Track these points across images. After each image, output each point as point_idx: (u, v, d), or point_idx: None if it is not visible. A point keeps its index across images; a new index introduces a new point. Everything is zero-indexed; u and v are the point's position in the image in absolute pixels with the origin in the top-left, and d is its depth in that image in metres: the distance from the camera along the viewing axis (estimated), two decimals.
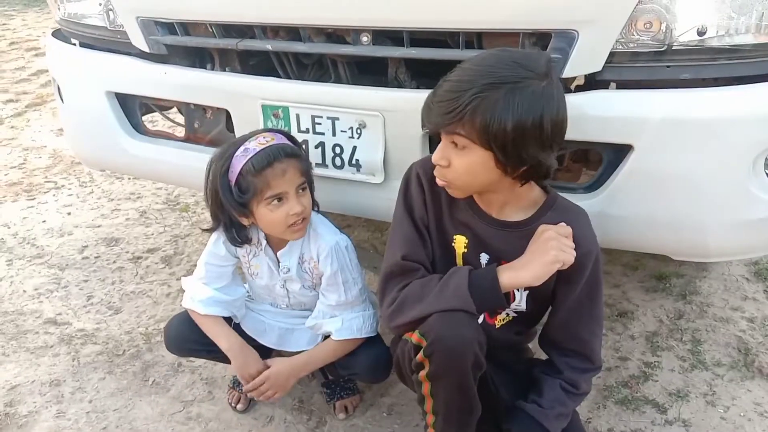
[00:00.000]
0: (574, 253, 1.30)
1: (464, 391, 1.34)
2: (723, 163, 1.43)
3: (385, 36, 1.72)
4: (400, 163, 1.70)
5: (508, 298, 1.44)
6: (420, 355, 1.31)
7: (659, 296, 2.39)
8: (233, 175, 1.55)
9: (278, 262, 1.72)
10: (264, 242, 1.70)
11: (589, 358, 1.49)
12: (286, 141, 1.62)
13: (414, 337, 1.33)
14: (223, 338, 1.71)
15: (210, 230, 1.72)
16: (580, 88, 1.57)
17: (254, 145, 1.56)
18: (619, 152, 1.52)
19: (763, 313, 2.26)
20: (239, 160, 1.55)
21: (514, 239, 1.38)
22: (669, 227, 1.53)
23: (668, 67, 1.46)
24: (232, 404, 1.93)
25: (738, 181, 1.45)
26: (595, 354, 1.49)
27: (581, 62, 1.48)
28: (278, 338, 1.83)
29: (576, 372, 1.48)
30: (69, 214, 3.20)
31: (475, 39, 1.63)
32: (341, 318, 1.70)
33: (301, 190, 1.60)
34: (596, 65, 1.48)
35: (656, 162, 1.47)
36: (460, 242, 1.45)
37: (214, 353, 1.75)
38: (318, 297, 1.75)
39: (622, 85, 1.52)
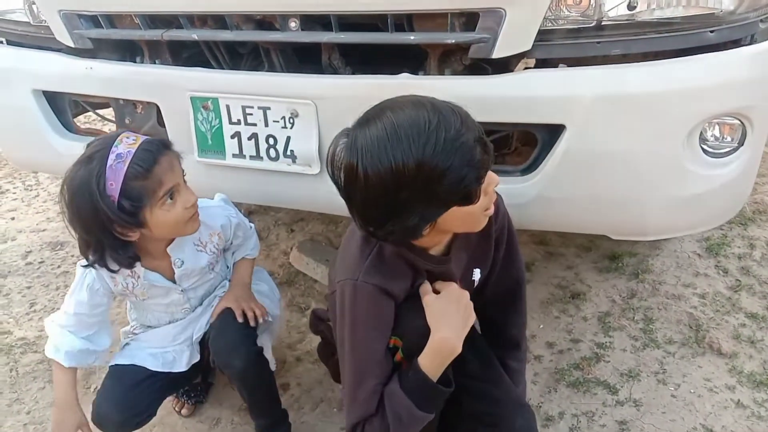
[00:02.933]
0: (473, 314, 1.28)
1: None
2: (657, 138, 1.41)
3: (314, 21, 1.66)
4: None
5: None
6: None
7: (612, 276, 2.38)
8: (115, 188, 1.33)
9: (171, 263, 1.57)
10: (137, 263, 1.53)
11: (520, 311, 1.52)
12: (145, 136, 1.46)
13: None
14: (60, 388, 1.54)
15: (90, 265, 1.48)
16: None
17: (126, 148, 1.36)
18: (552, 133, 1.49)
19: (715, 288, 2.26)
20: (117, 169, 1.33)
21: (468, 248, 1.35)
22: (606, 207, 1.51)
23: (598, 43, 1.43)
24: (177, 409, 1.87)
25: (673, 156, 1.43)
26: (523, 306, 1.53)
27: (511, 41, 1.45)
28: (189, 356, 1.69)
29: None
30: (13, 219, 3.09)
31: (405, 21, 1.59)
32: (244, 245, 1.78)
33: (184, 179, 1.48)
34: (526, 44, 1.45)
35: (590, 141, 1.44)
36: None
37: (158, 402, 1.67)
38: (215, 279, 1.71)
39: (552, 63, 1.49)
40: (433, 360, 1.22)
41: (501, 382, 1.41)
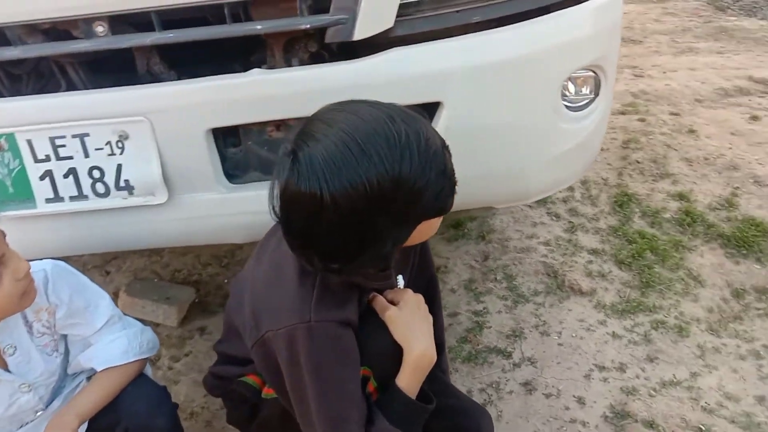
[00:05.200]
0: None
1: None
2: (531, 101, 1.40)
3: (125, 23, 1.37)
4: (186, 171, 1.40)
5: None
6: None
7: (462, 243, 2.42)
8: None
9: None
10: None
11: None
12: None
13: None
14: None
15: None
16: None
17: None
18: (429, 112, 1.40)
19: (554, 234, 2.40)
20: None
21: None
22: (491, 178, 1.47)
23: (458, 12, 1.37)
24: None
25: (545, 116, 1.44)
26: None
27: (371, 20, 1.32)
28: None
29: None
30: None
31: (241, 11, 1.37)
32: (98, 346, 1.33)
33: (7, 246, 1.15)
34: (388, 21, 1.33)
35: (469, 114, 1.38)
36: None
37: None
38: (62, 363, 1.34)
39: (417, 38, 1.40)
40: (413, 378, 1.09)
41: (451, 392, 1.32)
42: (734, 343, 1.91)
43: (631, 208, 2.52)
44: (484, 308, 2.09)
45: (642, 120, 3.20)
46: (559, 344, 1.92)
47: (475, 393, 1.77)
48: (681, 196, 2.55)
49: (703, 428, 1.63)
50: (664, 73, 3.89)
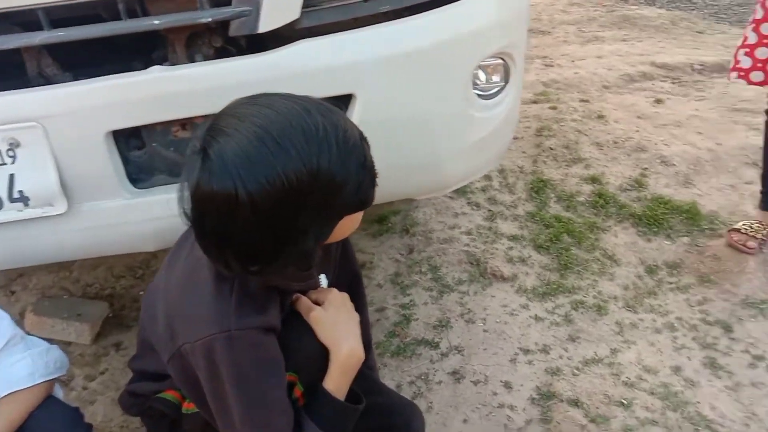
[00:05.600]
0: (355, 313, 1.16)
1: None
2: (443, 90, 1.40)
3: (11, 23, 1.27)
4: (86, 178, 1.32)
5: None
6: None
7: (386, 238, 2.41)
8: None
9: None
10: None
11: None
12: None
13: None
14: None
15: None
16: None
17: None
18: (342, 105, 1.37)
19: (475, 222, 2.43)
20: None
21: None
22: (408, 169, 1.46)
23: (366, 1, 1.35)
24: None
25: (458, 105, 1.44)
26: None
27: (276, 11, 1.28)
28: None
29: None
30: None
31: (138, 6, 1.30)
32: None
33: None
34: (294, 11, 1.29)
35: (382, 106, 1.37)
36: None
37: None
38: None
39: (326, 30, 1.37)
40: (342, 379, 1.06)
41: (380, 389, 1.30)
42: (650, 318, 1.99)
43: (546, 193, 2.58)
44: (411, 301, 2.08)
45: (553, 108, 3.28)
46: (485, 331, 1.94)
47: (404, 386, 1.77)
48: (593, 180, 2.63)
49: (625, 402, 1.69)
50: (573, 61, 4.01)
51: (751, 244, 2.13)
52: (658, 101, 3.33)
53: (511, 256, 2.26)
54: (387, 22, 1.37)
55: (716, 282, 2.09)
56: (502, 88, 1.54)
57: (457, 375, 1.79)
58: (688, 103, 3.30)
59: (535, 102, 3.42)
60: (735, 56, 2.01)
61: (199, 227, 0.92)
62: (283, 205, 0.87)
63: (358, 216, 1.03)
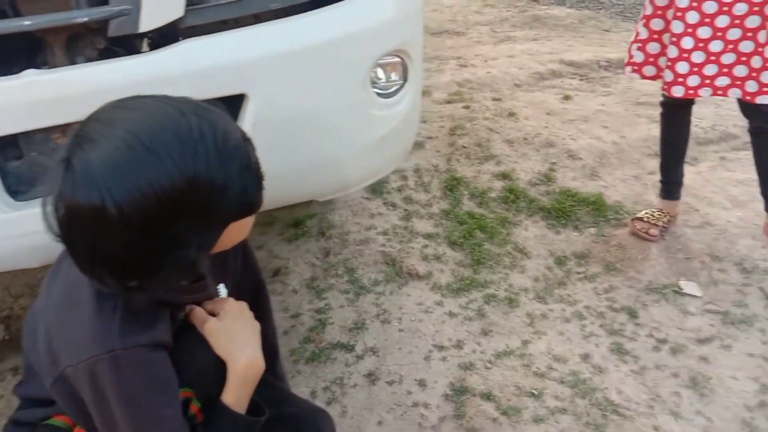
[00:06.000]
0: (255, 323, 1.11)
1: None
2: (341, 88, 1.39)
3: None
4: None
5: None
6: None
7: (302, 242, 2.37)
8: None
9: None
10: None
11: None
12: None
13: None
14: None
15: None
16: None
17: None
18: (234, 106, 1.33)
19: (392, 222, 2.43)
20: None
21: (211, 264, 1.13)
22: (307, 171, 1.44)
23: None
24: None
25: (357, 104, 1.43)
26: None
27: (159, 9, 1.23)
28: None
29: None
30: None
31: (8, 6, 1.22)
32: None
33: None
34: (177, 10, 1.24)
35: (278, 106, 1.34)
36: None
37: None
38: None
39: (215, 28, 1.32)
40: (241, 391, 1.01)
41: (288, 399, 1.26)
42: (560, 308, 2.03)
43: (460, 191, 2.61)
44: (327, 305, 2.06)
45: (467, 107, 3.33)
46: (400, 330, 1.94)
47: (319, 392, 1.74)
48: (504, 176, 2.68)
49: (536, 392, 1.72)
50: (486, 61, 4.09)
51: (653, 231, 2.22)
52: (567, 98, 3.43)
53: (426, 254, 2.26)
54: (279, 19, 1.34)
55: (621, 270, 2.16)
56: (402, 87, 1.54)
57: (372, 377, 1.78)
58: (594, 99, 3.42)
59: (449, 102, 3.46)
60: (629, 51, 2.09)
61: (68, 243, 0.86)
62: (158, 216, 0.82)
63: (248, 221, 0.99)
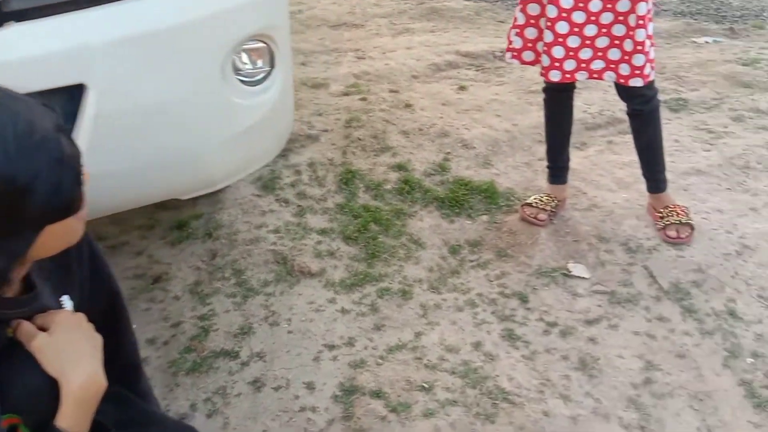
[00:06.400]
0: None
1: None
2: (195, 76, 1.29)
3: None
4: None
5: None
6: None
7: (187, 245, 2.23)
8: None
9: None
10: None
11: None
12: None
13: None
14: None
15: None
16: None
17: None
18: (72, 98, 1.20)
19: (284, 220, 2.33)
20: None
21: (46, 273, 1.00)
22: (163, 166, 1.33)
23: None
24: None
25: (216, 92, 1.33)
26: None
27: None
28: None
29: None
30: None
31: None
32: None
33: None
34: None
35: (123, 96, 1.22)
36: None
37: None
38: None
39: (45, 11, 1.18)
40: (78, 413, 0.90)
41: (151, 418, 1.15)
42: (453, 297, 2.01)
43: (355, 184, 2.54)
44: (211, 310, 1.94)
45: (363, 99, 3.27)
46: (289, 332, 1.85)
47: (199, 405, 1.63)
48: (400, 167, 2.64)
49: (426, 385, 1.67)
50: (384, 53, 4.04)
51: (542, 216, 2.23)
52: (462, 88, 3.43)
53: (320, 251, 2.18)
54: (120, 1, 1.22)
55: (512, 255, 2.16)
56: (269, 73, 1.45)
57: (257, 383, 1.68)
58: (488, 89, 3.44)
59: (346, 94, 3.38)
60: (508, 37, 2.09)
61: None
62: None
63: (72, 224, 0.87)
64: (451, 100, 3.28)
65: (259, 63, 1.43)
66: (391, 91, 3.43)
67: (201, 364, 1.74)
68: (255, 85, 1.42)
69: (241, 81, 1.39)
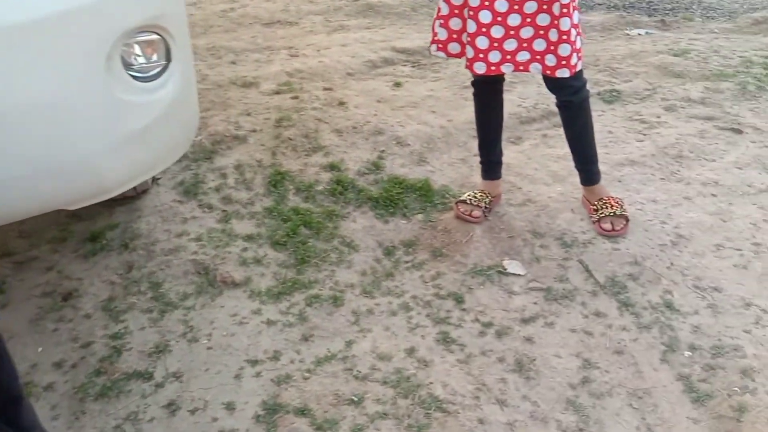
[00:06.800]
0: None
1: None
2: (75, 71, 1.15)
3: None
4: None
5: None
6: None
7: (100, 258, 2.07)
8: None
9: None
10: None
11: None
12: None
13: None
14: None
15: None
16: None
17: None
18: None
19: (207, 226, 2.19)
20: None
21: None
22: (43, 174, 1.18)
23: None
24: None
25: (101, 90, 1.19)
26: None
27: None
28: None
29: None
30: None
31: None
32: None
33: None
34: None
35: None
36: None
37: None
38: None
39: None
40: None
41: None
42: (386, 301, 1.91)
43: (285, 186, 2.42)
44: (124, 328, 1.79)
45: (295, 98, 3.15)
46: (209, 348, 1.72)
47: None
48: (332, 167, 2.53)
49: (356, 399, 1.57)
50: (318, 51, 3.93)
51: (476, 213, 2.16)
52: (397, 84, 3.35)
53: (245, 258, 2.06)
54: None
55: (447, 255, 2.08)
56: (165, 68, 1.32)
57: (172, 406, 1.55)
58: (424, 85, 3.36)
59: (277, 93, 3.26)
60: (432, 29, 2.01)
61: None
62: None
63: None
64: (386, 97, 3.19)
65: (154, 57, 1.30)
66: (325, 89, 3.32)
67: (111, 387, 1.60)
68: (149, 81, 1.29)
69: (134, 77, 1.26)
